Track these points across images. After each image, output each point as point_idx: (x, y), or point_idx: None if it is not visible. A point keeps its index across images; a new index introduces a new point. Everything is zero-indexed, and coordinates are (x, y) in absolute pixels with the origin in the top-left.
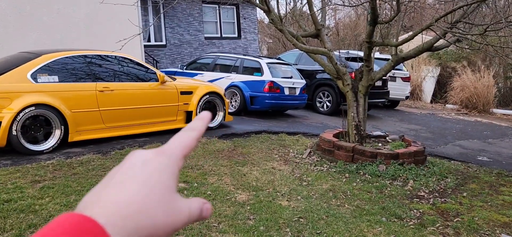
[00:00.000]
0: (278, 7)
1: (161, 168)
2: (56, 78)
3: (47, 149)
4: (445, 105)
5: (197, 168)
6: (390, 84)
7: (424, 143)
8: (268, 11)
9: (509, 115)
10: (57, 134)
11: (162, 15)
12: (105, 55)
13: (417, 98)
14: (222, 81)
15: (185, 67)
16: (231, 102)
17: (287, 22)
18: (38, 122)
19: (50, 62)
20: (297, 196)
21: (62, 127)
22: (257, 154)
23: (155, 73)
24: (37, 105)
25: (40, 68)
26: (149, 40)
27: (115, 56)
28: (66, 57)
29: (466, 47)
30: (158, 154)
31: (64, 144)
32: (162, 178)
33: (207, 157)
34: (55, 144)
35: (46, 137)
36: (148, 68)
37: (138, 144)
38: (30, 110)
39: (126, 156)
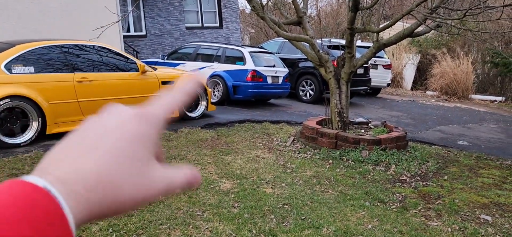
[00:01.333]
0: None
1: (137, 136)
2: (31, 69)
3: (25, 141)
4: (425, 92)
5: (180, 158)
6: (371, 72)
7: (406, 129)
8: None
9: (487, 100)
10: (34, 126)
11: (141, 5)
12: (82, 45)
13: (398, 85)
14: (204, 71)
15: (166, 57)
16: (213, 92)
17: (268, 10)
18: (14, 114)
19: (25, 52)
20: (281, 183)
21: (40, 119)
22: (240, 142)
23: (135, 63)
24: (12, 97)
25: (14, 58)
26: (128, 30)
27: (93, 45)
28: (42, 47)
29: (446, 33)
30: (138, 117)
31: (42, 136)
32: (136, 147)
33: (190, 147)
34: (32, 137)
35: (23, 129)
36: (128, 58)
37: None
38: (5, 102)
39: (103, 110)
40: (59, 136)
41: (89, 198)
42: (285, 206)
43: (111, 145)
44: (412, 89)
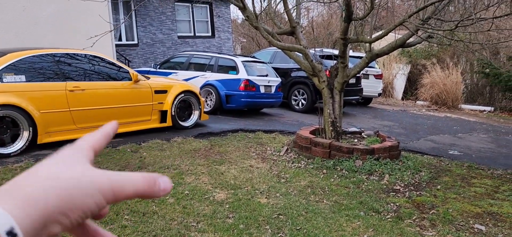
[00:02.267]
0: (253, 4)
1: (68, 155)
2: (23, 77)
3: (15, 151)
4: (416, 102)
5: (173, 168)
6: (363, 82)
7: (398, 138)
8: (243, 8)
9: (476, 110)
10: (25, 136)
11: (133, 14)
12: (74, 54)
13: (389, 95)
14: (197, 80)
15: (158, 66)
16: (206, 101)
17: (261, 20)
18: (4, 123)
19: (16, 61)
20: (276, 193)
21: (31, 128)
22: (234, 152)
23: (128, 72)
24: (2, 106)
25: (5, 67)
26: (120, 39)
27: (86, 54)
28: (34, 56)
29: (437, 43)
30: (67, 148)
31: (33, 146)
32: (68, 159)
33: (184, 157)
34: (23, 146)
35: (14, 139)
36: (121, 67)
37: (111, 145)
38: None
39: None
40: (50, 145)
41: (33, 215)
42: (280, 216)
43: (51, 168)
44: (402, 99)
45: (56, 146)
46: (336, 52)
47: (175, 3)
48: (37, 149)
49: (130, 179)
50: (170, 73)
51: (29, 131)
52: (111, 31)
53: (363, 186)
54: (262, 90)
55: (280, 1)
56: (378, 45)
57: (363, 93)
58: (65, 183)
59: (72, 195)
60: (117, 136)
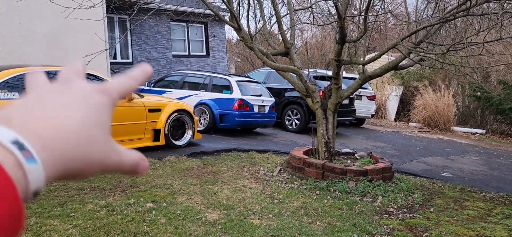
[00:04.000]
0: (248, 25)
1: (101, 107)
2: (16, 95)
3: None
4: (408, 124)
5: (165, 187)
6: (356, 103)
7: (391, 160)
8: (238, 29)
9: (468, 133)
10: None
11: (128, 32)
12: None
13: (382, 116)
14: (191, 99)
15: (152, 85)
16: (200, 120)
17: (256, 41)
18: None
19: (9, 78)
20: (269, 214)
21: None
22: (227, 172)
23: None
24: None
25: None
26: (115, 57)
27: None
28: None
29: (429, 66)
30: (99, 91)
31: None
32: (102, 116)
33: (176, 176)
34: None
35: None
36: None
37: None
38: None
39: (62, 77)
40: None
41: (60, 155)
42: None
43: (85, 111)
44: (395, 120)
45: None
46: (329, 73)
47: (171, 23)
48: None
49: (128, 159)
50: (164, 92)
51: None
52: (107, 49)
53: (356, 207)
54: (256, 110)
55: (275, 22)
56: (371, 67)
57: (357, 114)
58: (92, 158)
59: (93, 166)
60: None
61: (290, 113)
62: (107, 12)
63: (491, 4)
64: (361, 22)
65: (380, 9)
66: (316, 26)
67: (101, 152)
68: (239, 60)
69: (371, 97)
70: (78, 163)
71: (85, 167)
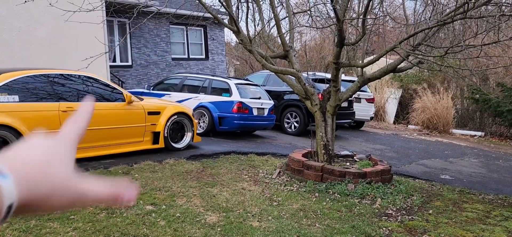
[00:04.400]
0: (247, 28)
1: (59, 149)
2: (16, 98)
3: None
4: (407, 126)
5: (165, 190)
6: (355, 105)
7: (390, 162)
8: (237, 32)
9: (467, 135)
10: None
11: (128, 35)
12: (68, 75)
13: (380, 119)
14: (190, 102)
15: (152, 88)
16: (199, 123)
17: (255, 44)
18: None
19: (10, 81)
20: (268, 216)
21: None
22: (226, 174)
23: (121, 93)
24: None
25: None
26: (114, 61)
27: (80, 75)
28: (27, 76)
29: (427, 69)
30: (58, 140)
31: None
32: (60, 155)
33: (175, 179)
34: None
35: None
36: (114, 88)
37: (103, 166)
38: None
39: (34, 137)
40: None
41: (28, 180)
42: None
43: (43, 148)
44: (394, 123)
45: None
46: (328, 76)
47: (170, 26)
48: None
49: (93, 191)
50: (164, 95)
51: None
52: (106, 52)
53: (355, 210)
54: (255, 112)
55: (274, 25)
56: (370, 70)
57: (355, 117)
58: (55, 188)
59: (57, 195)
60: (109, 157)
61: (289, 116)
62: (106, 16)
63: (489, 7)
64: (359, 25)
65: (378, 12)
66: (315, 29)
67: (63, 179)
68: (238, 63)
69: (370, 100)
70: (43, 186)
71: (51, 191)
